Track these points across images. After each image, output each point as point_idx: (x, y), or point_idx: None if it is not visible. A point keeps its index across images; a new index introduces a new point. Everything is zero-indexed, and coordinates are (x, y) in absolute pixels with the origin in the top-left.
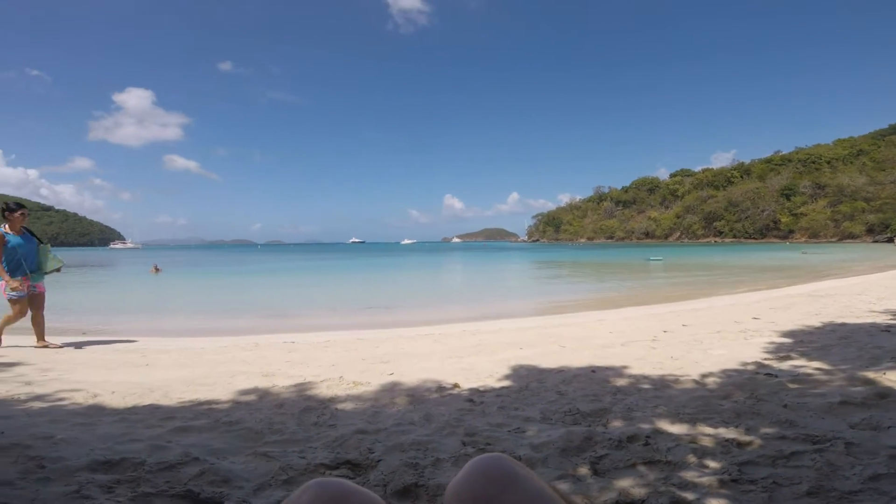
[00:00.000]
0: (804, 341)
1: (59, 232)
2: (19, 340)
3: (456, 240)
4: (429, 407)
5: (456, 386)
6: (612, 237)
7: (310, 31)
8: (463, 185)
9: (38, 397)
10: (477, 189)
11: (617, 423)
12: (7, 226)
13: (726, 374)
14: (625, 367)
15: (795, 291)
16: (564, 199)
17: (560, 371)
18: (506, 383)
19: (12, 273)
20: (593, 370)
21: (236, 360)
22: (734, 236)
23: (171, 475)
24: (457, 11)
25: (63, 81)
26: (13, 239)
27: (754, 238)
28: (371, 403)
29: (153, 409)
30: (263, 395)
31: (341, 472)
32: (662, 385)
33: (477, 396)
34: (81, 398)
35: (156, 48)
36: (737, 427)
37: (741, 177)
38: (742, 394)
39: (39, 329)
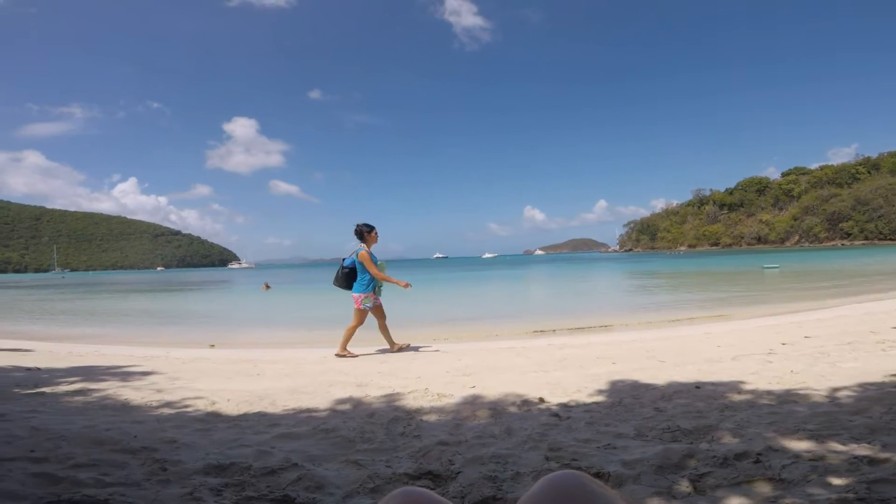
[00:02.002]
0: None
1: (186, 254)
2: (155, 352)
3: (539, 252)
4: (511, 420)
5: (541, 400)
6: (717, 244)
7: (383, 55)
8: (543, 196)
9: (167, 404)
10: (559, 199)
11: (724, 440)
12: (368, 245)
13: (860, 387)
14: (735, 383)
15: None
16: (659, 204)
17: (658, 387)
18: (596, 399)
19: (367, 287)
20: (697, 386)
21: (334, 371)
22: (865, 238)
23: (272, 480)
24: (518, 26)
25: (180, 113)
26: (373, 257)
27: (891, 239)
28: (453, 415)
29: (261, 417)
30: (357, 404)
31: (423, 482)
32: (780, 401)
33: (563, 411)
34: (202, 405)
35: (255, 78)
36: (870, 444)
37: (868, 172)
38: (879, 408)
39: (388, 335)
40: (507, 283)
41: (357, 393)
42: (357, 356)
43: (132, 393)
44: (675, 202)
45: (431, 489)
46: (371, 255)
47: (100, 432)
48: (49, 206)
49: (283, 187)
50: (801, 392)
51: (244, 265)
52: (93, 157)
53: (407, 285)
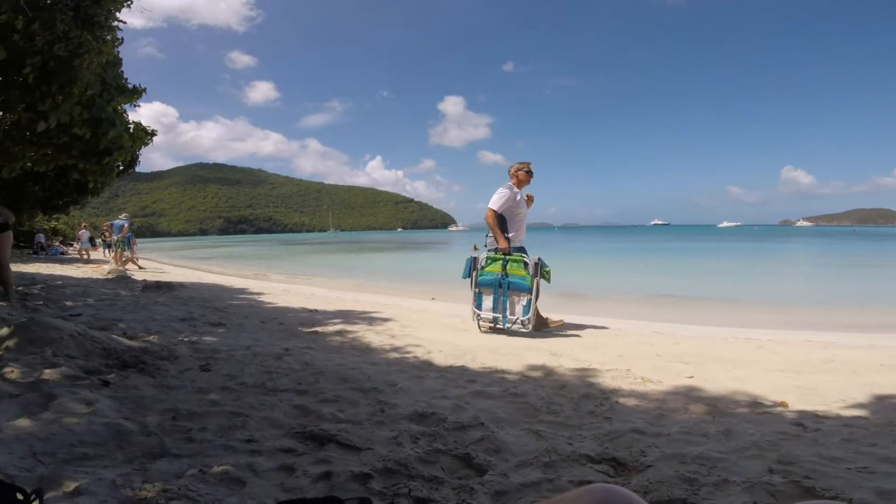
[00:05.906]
0: None
1: (417, 218)
2: (393, 300)
3: (803, 223)
4: (733, 422)
5: (781, 405)
6: None
7: (572, 19)
8: (811, 155)
9: (396, 349)
10: (837, 159)
11: None
12: None
13: None
14: None
15: None
16: None
17: None
18: (863, 413)
19: None
20: None
21: (528, 335)
22: None
23: (459, 436)
24: None
25: (404, 98)
26: None
27: None
28: (657, 404)
29: (462, 371)
30: (549, 373)
31: (603, 467)
32: None
33: (811, 421)
34: (420, 353)
35: (456, 58)
36: None
37: None
38: None
39: None
40: (757, 258)
41: (550, 362)
42: None
43: (373, 336)
44: None
45: (611, 476)
46: None
47: (346, 370)
48: (326, 181)
49: (489, 157)
50: None
51: (460, 228)
52: (351, 140)
53: None
